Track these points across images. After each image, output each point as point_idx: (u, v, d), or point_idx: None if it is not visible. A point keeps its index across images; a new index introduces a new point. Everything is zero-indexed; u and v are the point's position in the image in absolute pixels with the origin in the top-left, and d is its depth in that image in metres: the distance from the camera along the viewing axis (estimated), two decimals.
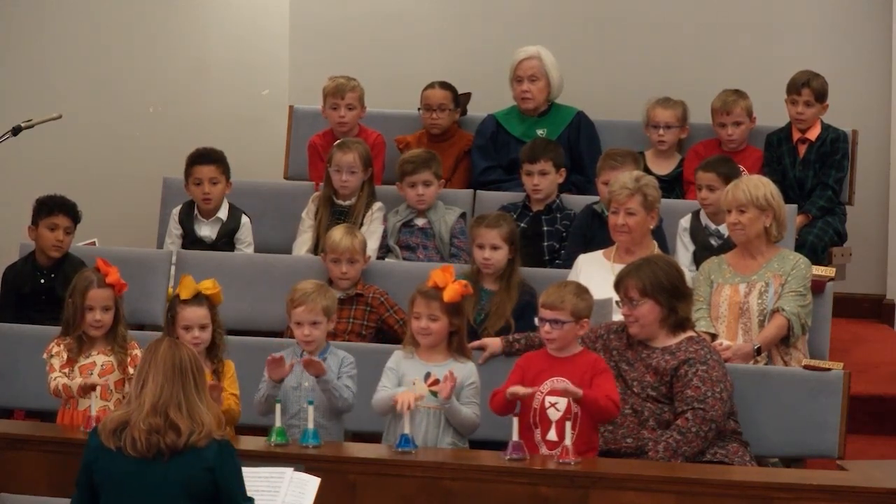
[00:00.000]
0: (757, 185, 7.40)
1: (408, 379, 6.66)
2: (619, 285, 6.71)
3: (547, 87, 9.07)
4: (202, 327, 6.66)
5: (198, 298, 6.70)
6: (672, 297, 6.65)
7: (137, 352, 6.87)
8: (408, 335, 6.77)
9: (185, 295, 6.70)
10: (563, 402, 6.42)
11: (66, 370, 6.87)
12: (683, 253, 7.97)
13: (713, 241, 7.95)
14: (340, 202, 8.46)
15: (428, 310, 6.64)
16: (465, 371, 6.62)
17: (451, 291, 6.64)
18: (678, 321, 6.68)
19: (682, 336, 6.69)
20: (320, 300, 6.73)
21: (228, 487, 5.31)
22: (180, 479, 5.25)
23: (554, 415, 6.44)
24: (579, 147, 8.98)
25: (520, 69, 9.06)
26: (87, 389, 6.59)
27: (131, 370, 6.83)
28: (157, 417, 5.24)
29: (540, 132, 8.99)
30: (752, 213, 7.35)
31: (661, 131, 8.93)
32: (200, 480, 5.27)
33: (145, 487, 5.25)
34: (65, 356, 6.87)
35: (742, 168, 8.74)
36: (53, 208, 7.92)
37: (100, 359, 6.89)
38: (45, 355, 6.91)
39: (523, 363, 6.62)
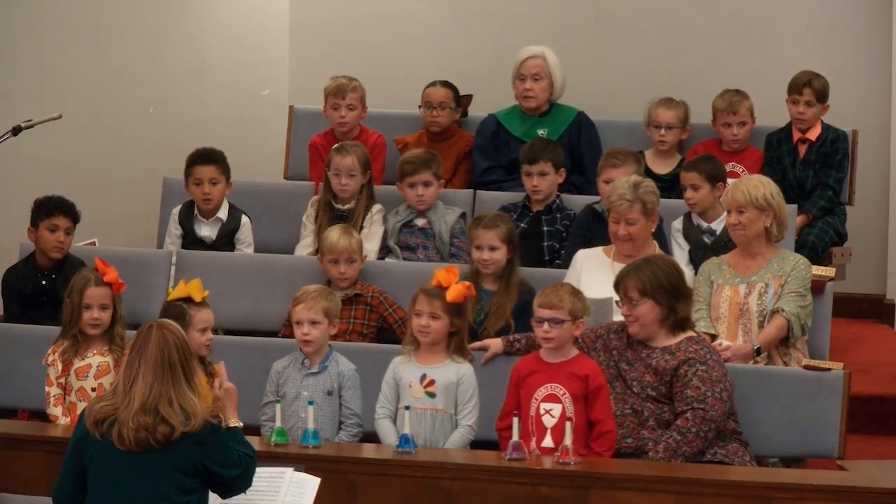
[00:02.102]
0: (756, 186, 7.39)
1: (404, 382, 6.67)
2: (618, 285, 6.72)
3: (549, 87, 9.06)
4: (212, 330, 6.70)
5: (206, 301, 6.73)
6: (672, 296, 6.65)
7: None
8: (408, 334, 6.79)
9: (198, 297, 6.72)
10: (557, 409, 6.45)
11: (62, 379, 6.88)
12: (679, 253, 7.97)
13: (706, 239, 7.96)
14: (339, 206, 8.45)
15: (429, 308, 6.65)
16: (461, 371, 6.64)
17: (454, 292, 6.66)
18: (678, 321, 6.68)
19: (682, 336, 6.69)
20: (321, 300, 6.75)
21: (216, 459, 5.30)
22: (174, 463, 5.26)
23: (549, 421, 6.45)
24: (580, 147, 8.97)
25: (523, 67, 9.05)
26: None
27: None
28: (146, 416, 5.24)
29: (541, 132, 8.98)
30: (751, 213, 7.35)
31: (663, 131, 8.92)
32: (193, 456, 5.27)
33: (136, 474, 5.26)
34: (59, 366, 6.89)
35: (742, 168, 8.76)
36: (53, 209, 7.92)
37: (95, 360, 6.90)
38: (43, 362, 6.94)
39: (517, 368, 6.65)
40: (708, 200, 7.97)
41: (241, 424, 5.65)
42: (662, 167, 8.93)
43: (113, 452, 5.27)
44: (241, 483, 5.38)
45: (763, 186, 7.39)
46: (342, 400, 6.72)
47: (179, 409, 5.25)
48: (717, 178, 7.98)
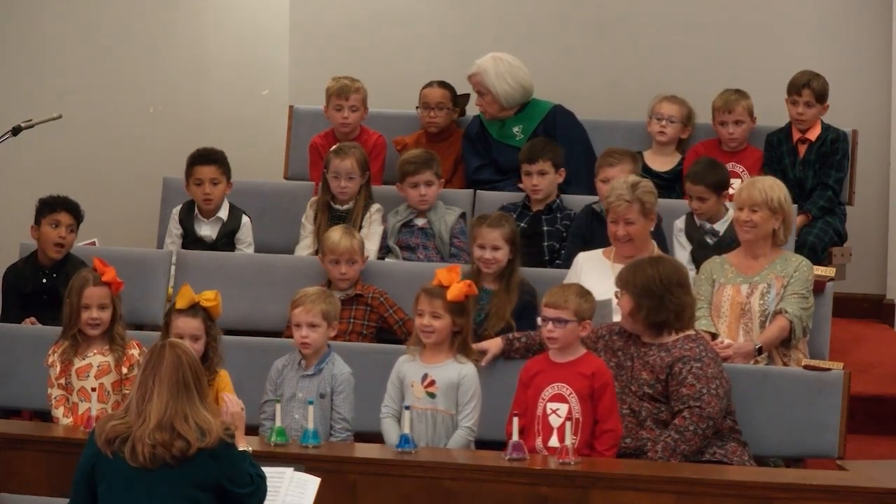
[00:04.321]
0: (773, 187, 7.37)
1: (407, 381, 6.68)
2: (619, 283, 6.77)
3: (494, 101, 8.99)
4: (194, 338, 6.61)
5: (193, 309, 6.68)
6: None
7: (135, 352, 6.89)
8: (413, 334, 6.79)
9: (180, 304, 6.68)
10: (563, 409, 6.45)
11: (62, 380, 6.89)
12: (681, 253, 7.97)
13: (709, 240, 7.96)
14: (338, 206, 8.45)
15: (431, 307, 6.65)
16: (463, 371, 6.64)
17: (455, 290, 6.66)
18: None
19: (680, 334, 6.69)
20: (320, 303, 6.73)
21: (229, 475, 5.30)
22: (188, 478, 5.25)
23: (556, 421, 6.45)
24: (556, 142, 8.88)
25: (470, 84, 9.06)
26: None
27: (125, 370, 6.85)
28: (162, 433, 5.23)
29: (516, 129, 8.97)
30: (763, 213, 7.32)
31: (664, 122, 8.93)
32: (207, 472, 5.27)
33: (150, 491, 5.24)
34: (58, 367, 6.90)
35: (742, 168, 8.75)
36: (56, 206, 7.93)
37: (96, 360, 6.90)
38: (44, 363, 6.96)
39: (525, 368, 6.65)
40: (714, 209, 7.97)
41: (251, 449, 5.63)
42: (662, 165, 8.93)
43: (125, 470, 5.26)
44: (254, 501, 5.38)
45: (780, 189, 7.37)
46: (333, 404, 6.69)
47: (195, 426, 5.25)
48: (723, 186, 7.96)
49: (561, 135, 8.89)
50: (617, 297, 6.78)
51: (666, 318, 6.67)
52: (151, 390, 5.28)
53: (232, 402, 5.89)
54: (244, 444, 5.66)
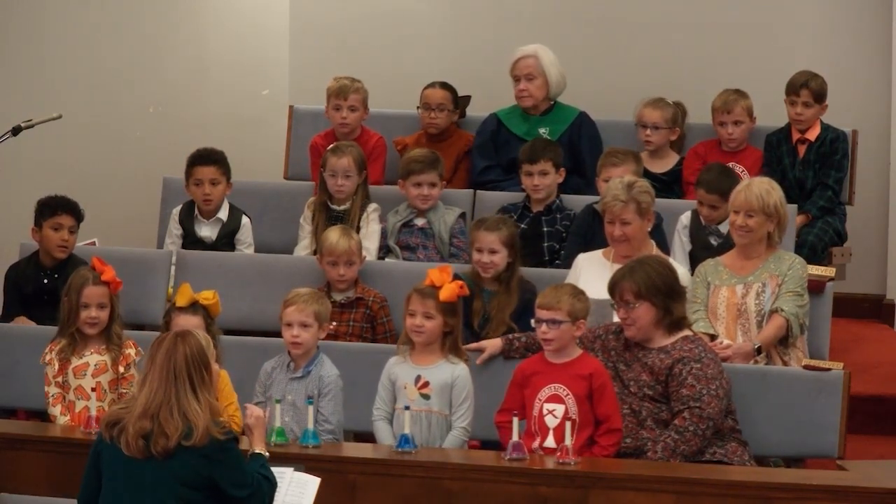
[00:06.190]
0: (769, 192, 7.35)
1: (400, 384, 6.68)
2: (613, 289, 6.71)
3: (545, 86, 9.03)
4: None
5: (193, 307, 6.72)
6: (667, 297, 6.65)
7: (131, 351, 6.91)
8: (402, 335, 6.78)
9: (180, 302, 6.73)
10: (560, 409, 6.45)
11: (59, 378, 6.89)
12: (680, 250, 7.96)
13: (713, 241, 7.95)
14: (335, 207, 8.44)
15: (423, 307, 6.65)
16: (456, 372, 6.64)
17: (448, 291, 6.67)
18: (674, 321, 6.68)
19: (678, 336, 6.69)
20: (312, 303, 6.72)
21: (225, 475, 5.30)
22: (177, 475, 5.26)
23: (552, 422, 6.45)
24: (580, 148, 8.93)
25: (517, 68, 9.05)
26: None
27: (122, 369, 6.86)
28: (145, 421, 5.26)
29: (542, 131, 8.97)
30: (759, 218, 7.32)
31: (648, 131, 8.91)
32: (197, 470, 5.27)
33: (140, 483, 5.28)
34: (56, 365, 6.90)
35: (741, 168, 8.75)
36: (57, 208, 7.93)
37: (93, 358, 6.92)
38: (41, 362, 6.96)
39: (520, 370, 6.64)
40: (724, 215, 7.95)
41: (268, 454, 5.62)
42: (659, 166, 8.92)
43: (121, 458, 5.29)
44: (255, 502, 5.37)
45: (775, 192, 7.36)
46: (318, 406, 6.65)
47: (181, 419, 5.25)
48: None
49: (586, 141, 8.95)
50: (614, 308, 6.75)
51: (683, 309, 6.67)
52: (146, 376, 5.35)
53: (254, 408, 5.87)
54: (261, 448, 5.63)
